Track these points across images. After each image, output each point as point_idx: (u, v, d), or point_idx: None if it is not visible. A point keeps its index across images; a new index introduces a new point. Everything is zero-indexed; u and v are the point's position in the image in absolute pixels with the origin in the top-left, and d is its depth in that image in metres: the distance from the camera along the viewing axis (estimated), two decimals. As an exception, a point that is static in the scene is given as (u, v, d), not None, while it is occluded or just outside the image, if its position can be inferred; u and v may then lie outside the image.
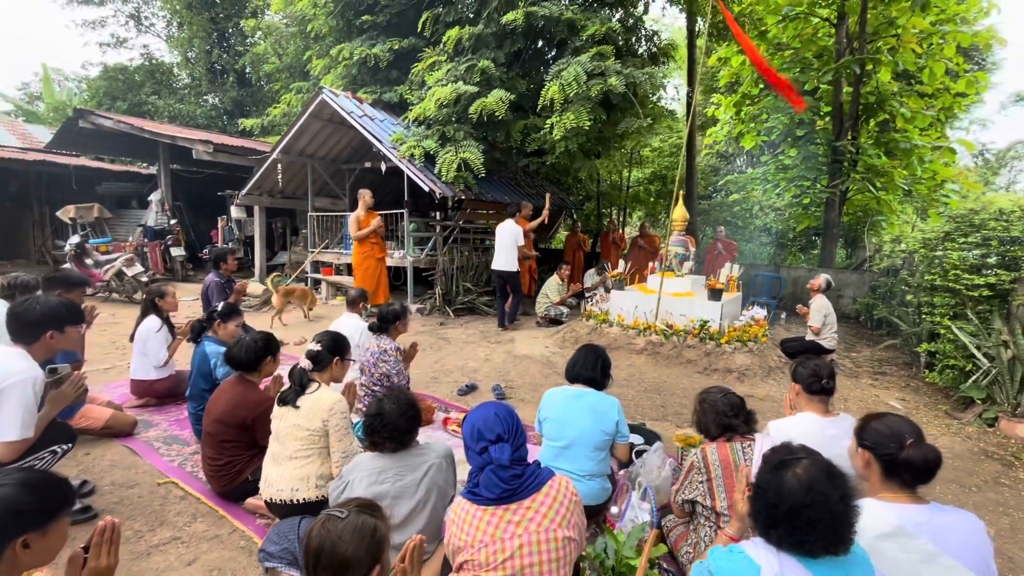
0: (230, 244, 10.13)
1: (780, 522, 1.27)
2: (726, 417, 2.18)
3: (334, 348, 2.49)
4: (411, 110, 7.35)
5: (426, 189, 6.92)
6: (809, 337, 6.00)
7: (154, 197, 11.38)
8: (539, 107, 6.67)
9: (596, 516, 2.51)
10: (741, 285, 8.99)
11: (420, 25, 7.64)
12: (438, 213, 8.34)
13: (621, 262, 6.54)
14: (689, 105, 13.45)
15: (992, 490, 3.22)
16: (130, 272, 7.89)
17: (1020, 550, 2.61)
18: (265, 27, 13.97)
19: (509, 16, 6.53)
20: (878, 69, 11.09)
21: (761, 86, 13.19)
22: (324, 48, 9.33)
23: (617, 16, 7.51)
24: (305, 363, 2.44)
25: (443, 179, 7.03)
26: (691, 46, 13.24)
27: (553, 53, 7.55)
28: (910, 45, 10.66)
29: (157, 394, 3.93)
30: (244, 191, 8.91)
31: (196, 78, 16.39)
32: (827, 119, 11.85)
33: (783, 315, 8.99)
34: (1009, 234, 4.11)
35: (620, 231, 9.90)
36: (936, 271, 4.46)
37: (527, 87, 7.28)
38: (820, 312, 5.97)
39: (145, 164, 13.28)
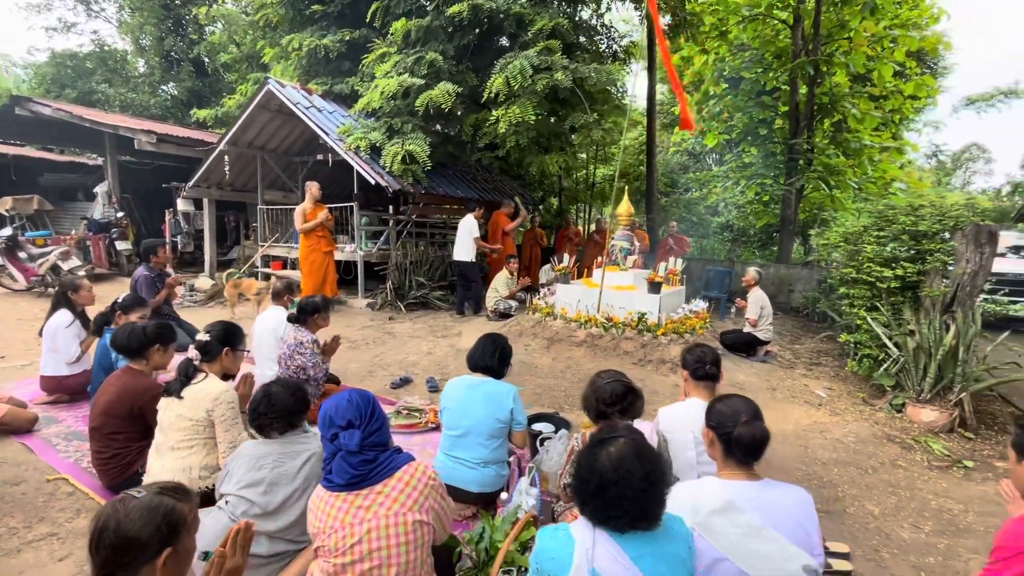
0: (178, 238, 9.84)
1: (591, 498, 1.31)
2: (603, 405, 2.22)
3: (224, 338, 2.45)
4: (359, 102, 7.25)
5: (372, 182, 6.85)
6: (747, 329, 6.19)
7: (100, 189, 10.96)
8: (484, 99, 6.65)
9: (492, 503, 2.54)
10: (686, 279, 9.20)
11: (370, 16, 7.53)
12: (391, 207, 8.25)
13: (566, 256, 6.57)
14: (650, 105, 13.66)
15: (887, 471, 3.37)
16: (66, 266, 7.60)
17: (898, 527, 2.75)
18: (221, 15, 13.58)
19: (455, 8, 6.50)
20: (832, 71, 11.46)
21: (725, 85, 13.51)
22: (276, 38, 9.12)
23: (565, 12, 7.51)
24: (193, 353, 2.40)
25: (390, 172, 6.97)
26: (650, 46, 13.42)
27: (504, 47, 7.53)
28: (862, 48, 11.05)
29: (68, 390, 3.80)
30: (191, 183, 8.66)
31: (151, 67, 15.81)
32: (785, 119, 12.17)
33: (733, 309, 9.23)
34: (917, 228, 4.29)
35: (576, 227, 9.97)
36: (853, 264, 4.63)
37: (478, 80, 7.26)
38: (756, 304, 6.16)
39: (93, 155, 12.77)
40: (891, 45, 11.55)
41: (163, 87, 17.50)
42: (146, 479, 2.30)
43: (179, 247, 9.99)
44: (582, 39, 8.41)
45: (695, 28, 9.87)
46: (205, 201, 9.25)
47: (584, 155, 15.79)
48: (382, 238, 8.21)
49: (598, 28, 11.83)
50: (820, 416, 4.41)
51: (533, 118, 6.40)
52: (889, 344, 4.31)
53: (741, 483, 1.61)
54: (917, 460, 3.56)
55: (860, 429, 4.02)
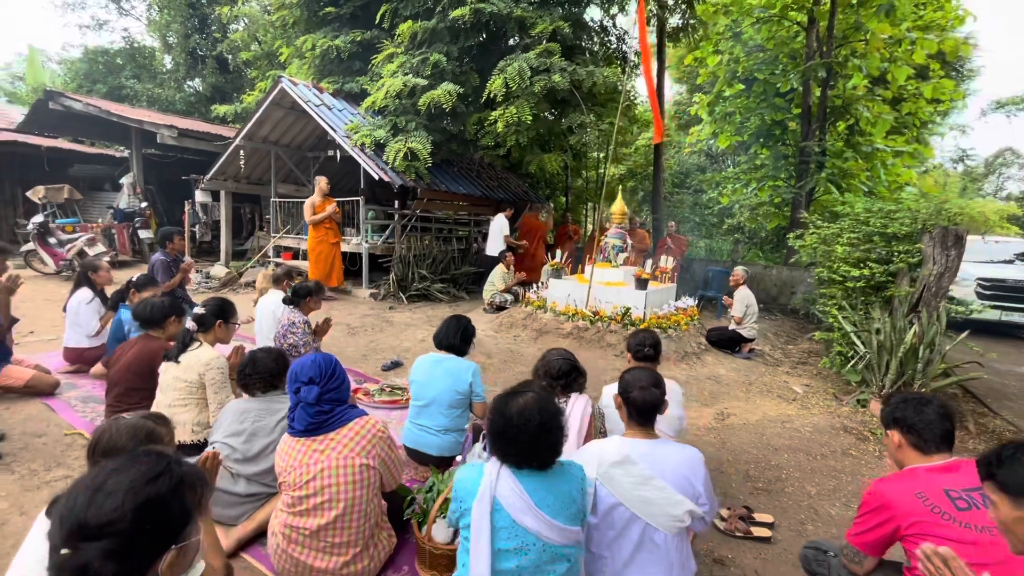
0: (196, 228, 10.33)
1: (497, 437, 1.59)
2: (550, 377, 2.49)
3: (218, 312, 2.77)
4: (366, 100, 7.59)
5: (375, 177, 7.18)
6: (732, 327, 6.37)
7: (126, 180, 11.53)
8: (483, 100, 6.93)
9: (450, 464, 2.83)
10: (687, 277, 9.36)
11: (379, 17, 7.86)
12: (396, 202, 8.59)
13: (558, 252, 6.82)
14: (660, 107, 13.77)
15: (835, 459, 3.56)
16: (92, 252, 8.10)
17: (829, 506, 2.95)
18: (243, 14, 14.09)
19: (457, 12, 6.78)
20: (846, 72, 11.42)
21: (741, 86, 13.55)
22: (292, 37, 9.53)
23: (570, 14, 7.73)
24: (191, 325, 2.73)
25: (393, 168, 7.30)
26: (660, 48, 13.54)
27: (508, 48, 7.80)
28: (877, 50, 10.99)
29: (89, 361, 4.19)
30: (208, 176, 9.12)
31: (176, 63, 16.46)
32: (799, 121, 12.17)
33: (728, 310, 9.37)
34: (886, 231, 4.44)
35: (576, 224, 10.18)
36: (827, 265, 4.80)
37: (480, 81, 7.53)
38: (742, 303, 6.33)
39: (120, 148, 13.40)
40: (909, 48, 11.47)
41: (188, 83, 18.19)
42: (147, 432, 2.63)
43: (197, 236, 10.48)
44: (585, 41, 8.62)
45: (696, 33, 9.97)
46: (222, 193, 9.71)
47: (598, 154, 16.03)
48: (387, 231, 8.55)
49: (608, 29, 12.03)
50: (789, 409, 4.60)
51: (529, 118, 6.65)
52: (857, 341, 4.47)
53: (639, 441, 1.87)
54: (869, 450, 3.74)
55: (821, 421, 4.21)
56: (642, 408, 1.85)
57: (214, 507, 2.26)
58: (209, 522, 1.60)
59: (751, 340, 6.27)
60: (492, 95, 6.77)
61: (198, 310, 2.73)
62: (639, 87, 15.21)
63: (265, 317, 4.26)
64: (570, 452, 2.03)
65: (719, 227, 16.56)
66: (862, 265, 4.41)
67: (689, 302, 6.91)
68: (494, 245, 8.35)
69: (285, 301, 3.93)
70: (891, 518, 1.66)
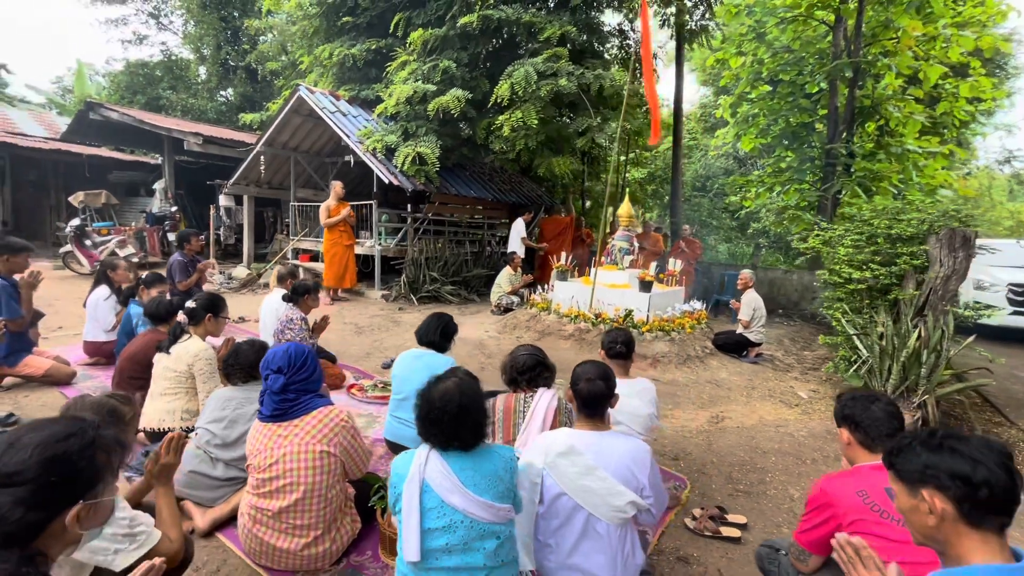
0: (220, 231, 10.76)
1: (421, 420, 1.66)
2: (515, 372, 2.54)
3: (208, 306, 2.93)
4: (378, 107, 7.80)
5: (385, 181, 7.37)
6: (739, 330, 6.27)
7: (158, 186, 12.13)
8: (490, 105, 7.03)
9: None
10: (689, 280, 9.22)
11: (392, 26, 8.07)
12: (409, 206, 8.77)
13: (563, 255, 6.85)
14: (677, 109, 13.66)
15: (826, 464, 3.48)
16: (122, 253, 8.55)
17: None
18: (269, 25, 14.65)
19: (465, 19, 6.92)
20: (875, 72, 11.06)
21: (768, 88, 13.30)
22: (313, 46, 9.87)
23: (583, 19, 7.77)
24: (182, 318, 2.89)
25: (403, 172, 7.47)
26: (679, 50, 13.44)
27: (519, 54, 7.90)
28: (909, 48, 10.61)
29: (106, 354, 4.44)
30: (231, 181, 9.51)
31: (209, 74, 17.21)
32: (825, 122, 11.86)
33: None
34: (890, 232, 4.32)
35: (588, 228, 10.18)
36: (833, 267, 4.70)
37: (490, 87, 7.65)
38: (749, 306, 6.23)
39: (155, 155, 14.08)
40: (944, 45, 11.05)
41: (221, 93, 18.99)
42: (141, 421, 2.80)
43: (222, 239, 10.91)
44: (599, 45, 8.65)
45: (712, 34, 9.85)
46: (244, 197, 10.09)
47: (617, 157, 15.97)
48: (400, 234, 8.73)
49: (626, 33, 12.01)
50: (788, 414, 4.50)
51: (535, 122, 6.72)
52: (860, 346, 4.36)
53: (586, 432, 1.90)
54: (864, 456, 3.63)
55: (818, 426, 4.11)
56: (587, 400, 1.89)
57: (194, 490, 2.39)
58: (169, 498, 1.71)
59: (758, 344, 6.16)
60: (499, 100, 6.87)
61: (189, 304, 2.89)
62: (665, 89, 15.06)
63: (268, 314, 4.43)
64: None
65: (743, 231, 16.25)
66: (864, 267, 4.30)
67: (697, 306, 6.83)
68: (514, 248, 8.73)
69: (284, 298, 4.09)
70: (833, 516, 1.65)
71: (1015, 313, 7.62)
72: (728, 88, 14.55)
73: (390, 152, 7.59)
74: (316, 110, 8.00)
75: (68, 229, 8.82)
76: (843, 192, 10.93)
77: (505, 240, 11.60)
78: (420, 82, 7.23)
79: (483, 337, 6.35)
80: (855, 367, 4.46)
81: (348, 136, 7.67)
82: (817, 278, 5.00)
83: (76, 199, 11.08)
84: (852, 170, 10.63)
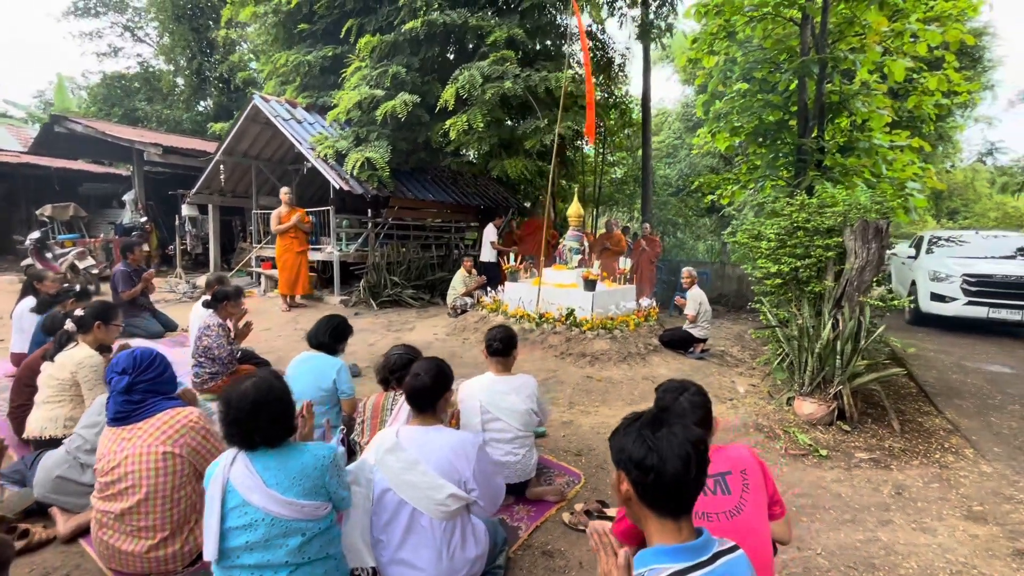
0: (187, 240, 10.77)
1: (223, 423, 1.67)
2: (387, 371, 2.56)
3: (97, 314, 2.94)
4: (329, 114, 7.84)
5: (336, 186, 7.40)
6: (685, 326, 6.29)
7: (127, 197, 12.13)
8: (438, 109, 7.08)
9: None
10: (645, 277, 9.27)
11: (344, 32, 8.12)
12: (370, 210, 8.80)
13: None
14: (645, 108, 13.75)
15: (733, 456, 3.50)
16: (82, 265, 8.55)
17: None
18: (240, 36, 14.70)
19: (410, 24, 6.97)
20: (842, 68, 11.14)
21: (745, 85, 13.39)
22: (272, 55, 9.92)
23: (534, 22, 7.82)
24: (70, 326, 2.90)
25: (355, 178, 7.50)
26: (645, 50, 13.55)
27: (469, 57, 7.94)
28: (875, 44, 10.69)
29: (33, 365, 4.44)
30: (193, 191, 9.52)
31: (183, 85, 17.25)
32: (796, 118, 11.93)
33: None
34: (807, 225, 4.36)
35: (555, 230, 10.22)
36: (750, 262, 4.73)
37: (442, 91, 7.69)
38: (695, 302, 6.26)
39: (128, 166, 14.09)
40: (912, 40, 11.15)
41: (202, 103, 19.01)
42: (26, 428, 2.81)
43: (189, 249, 10.92)
44: (551, 47, 8.70)
45: (668, 33, 9.93)
46: (210, 206, 10.11)
47: (596, 159, 16.06)
48: (360, 240, 8.75)
49: (597, 35, 12.10)
50: (716, 408, 4.51)
51: (481, 125, 6.76)
52: (782, 339, 4.39)
53: (413, 427, 1.92)
54: (774, 448, 3.66)
55: (738, 420, 4.14)
56: (410, 395, 1.91)
57: (62, 495, 2.40)
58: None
59: (703, 340, 6.18)
60: (445, 104, 6.91)
61: (77, 312, 2.90)
62: (634, 90, 15.14)
63: (194, 321, 4.43)
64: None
65: (722, 228, 16.30)
66: (781, 261, 4.34)
67: (646, 303, 6.87)
68: (485, 251, 8.94)
69: (204, 304, 4.10)
70: (633, 509, 1.67)
71: (969, 304, 7.67)
72: (705, 87, 14.66)
73: (341, 158, 7.62)
74: (271, 118, 8.03)
75: (28, 242, 8.81)
76: (814, 187, 10.97)
77: (476, 244, 11.65)
78: (366, 87, 7.26)
79: (431, 340, 6.36)
80: (779, 360, 4.50)
81: (300, 143, 7.71)
82: (748, 273, 5.03)
83: (44, 212, 11.09)
84: (823, 165, 10.70)
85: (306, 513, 1.65)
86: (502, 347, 2.72)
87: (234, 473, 1.63)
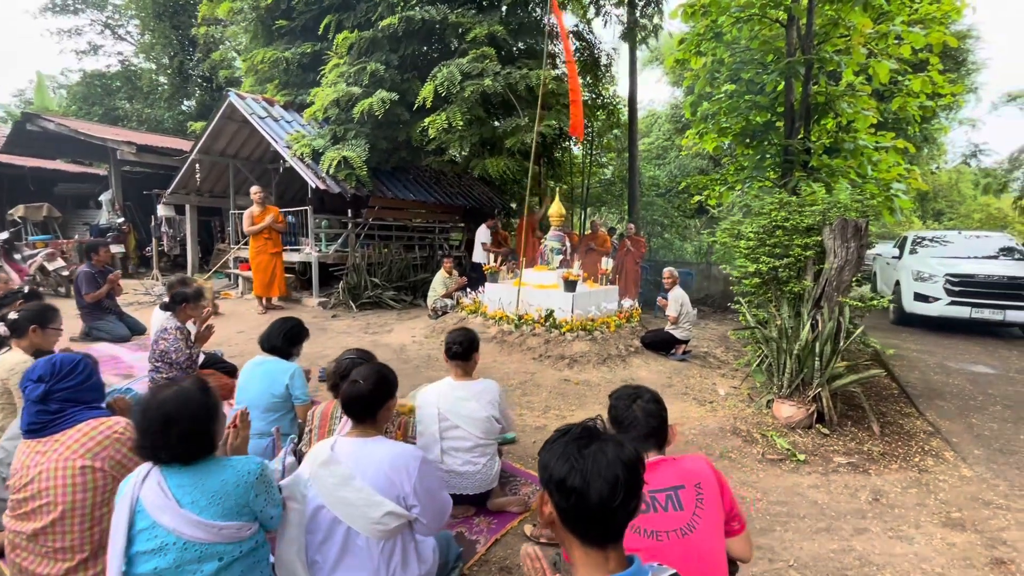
0: (164, 242, 10.53)
1: (137, 433, 1.52)
2: (337, 377, 2.42)
3: (32, 318, 2.76)
4: (306, 112, 7.67)
5: (313, 185, 7.23)
6: (668, 328, 6.20)
7: (104, 197, 11.87)
8: (417, 106, 6.94)
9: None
10: (629, 278, 9.19)
11: (322, 29, 7.96)
12: (350, 211, 8.63)
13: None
14: (631, 109, 13.70)
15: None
16: (51, 266, 8.30)
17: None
18: (222, 33, 14.46)
19: (387, 21, 6.83)
20: (828, 69, 11.14)
21: (733, 87, 13.38)
22: (248, 52, 9.73)
23: (497, 19, 7.69)
24: (3, 330, 2.73)
25: (333, 177, 7.34)
26: (632, 51, 13.50)
27: (449, 55, 7.81)
28: (860, 45, 10.70)
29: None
30: (169, 190, 9.30)
31: (164, 83, 16.97)
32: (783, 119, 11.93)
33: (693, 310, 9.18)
34: (786, 224, 4.27)
35: (541, 231, 10.12)
36: (728, 261, 4.64)
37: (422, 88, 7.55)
38: (677, 302, 6.17)
39: (106, 166, 13.80)
40: (896, 42, 11.19)
41: (186, 103, 18.69)
42: (-43, 438, 2.62)
43: (166, 250, 10.68)
44: (534, 44, 8.59)
45: (655, 33, 9.87)
46: (187, 207, 9.88)
47: (584, 159, 16.01)
48: (340, 240, 8.58)
49: (583, 35, 12.02)
50: (695, 412, 4.43)
51: (461, 123, 6.63)
52: (761, 340, 4.30)
53: (350, 439, 1.78)
54: (751, 453, 3.56)
55: (715, 423, 4.03)
56: (345, 403, 1.78)
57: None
58: None
59: (685, 342, 6.09)
60: (423, 101, 6.77)
61: (11, 315, 2.73)
62: (621, 89, 15.10)
63: (154, 326, 4.26)
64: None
65: (711, 227, 16.29)
66: (760, 260, 4.24)
67: (628, 304, 6.77)
68: (477, 253, 8.86)
69: (161, 307, 3.93)
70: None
71: (952, 304, 7.65)
72: (693, 88, 14.68)
73: (319, 156, 7.46)
74: (247, 116, 7.84)
75: (-5, 243, 8.55)
76: (799, 188, 10.95)
77: (462, 244, 11.51)
78: (343, 84, 7.11)
79: (407, 343, 6.22)
80: (759, 362, 4.41)
81: (276, 141, 7.53)
82: (729, 273, 4.94)
83: (16, 212, 10.81)
84: (810, 166, 10.69)
85: (225, 535, 1.50)
86: (461, 351, 2.59)
87: (145, 491, 1.49)
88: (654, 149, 21.25)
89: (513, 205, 12.09)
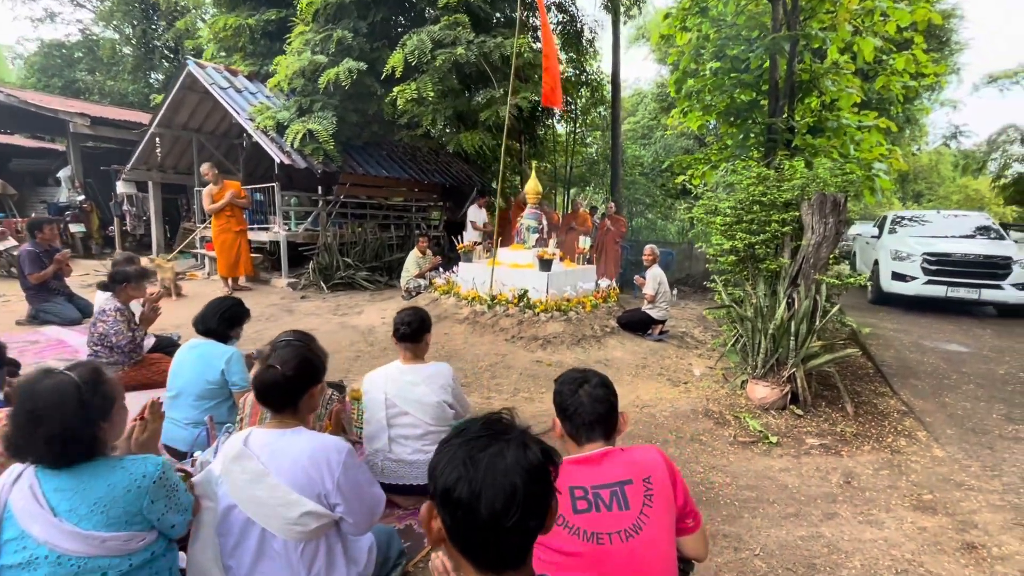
0: (127, 221, 10.08)
1: (10, 428, 1.31)
2: (265, 361, 2.21)
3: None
4: (269, 82, 7.27)
5: (277, 160, 6.88)
6: (644, 307, 6.06)
7: (63, 174, 11.29)
8: (384, 77, 6.59)
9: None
10: (608, 257, 9.05)
11: (288, -7, 7.51)
12: (320, 188, 8.29)
13: (465, 234, 6.53)
14: (615, 84, 13.37)
15: (678, 446, 3.28)
16: (2, 246, 7.86)
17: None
18: (191, 3, 13.74)
19: (353, -17, 6.43)
20: (813, 46, 10.93)
21: (718, 64, 13.10)
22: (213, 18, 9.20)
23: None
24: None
25: (299, 151, 6.99)
26: (615, 24, 13.11)
27: (421, 22, 7.43)
28: (846, 22, 10.49)
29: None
30: (129, 166, 8.83)
31: (128, 54, 16.13)
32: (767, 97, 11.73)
33: (673, 290, 9.09)
34: (763, 199, 4.12)
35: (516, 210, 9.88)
36: (704, 239, 4.49)
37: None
38: (655, 281, 6.03)
39: (65, 140, 13.13)
40: (882, 19, 11.01)
41: (152, 75, 17.81)
42: None
43: (129, 229, 10.23)
44: (511, 13, 8.22)
45: (632, 5, 9.53)
46: (150, 184, 9.43)
47: (569, 137, 15.68)
48: (310, 219, 8.26)
49: (565, 6, 11.61)
50: (668, 393, 4.31)
51: (431, 94, 6.31)
52: (736, 319, 4.17)
53: (265, 431, 1.59)
54: (723, 435, 3.45)
55: (688, 405, 3.92)
56: (258, 390, 1.58)
57: None
58: None
59: (662, 322, 5.97)
60: (393, 71, 6.43)
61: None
62: (605, 65, 14.70)
63: (97, 307, 3.99)
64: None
65: (674, 209, 16.18)
66: (736, 237, 4.09)
67: (605, 284, 6.62)
68: (469, 233, 8.45)
69: (100, 287, 3.67)
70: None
71: (929, 282, 7.64)
72: (678, 65, 14.41)
73: (283, 130, 7.09)
74: (207, 87, 7.41)
75: (-60, 222, 8.06)
76: (782, 166, 10.82)
77: (441, 224, 11.22)
78: (312, 53, 6.72)
79: (377, 324, 6.00)
80: (733, 342, 4.30)
81: (238, 113, 7.14)
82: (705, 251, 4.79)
83: (-34, 190, 10.23)
84: (792, 144, 10.55)
85: (110, 548, 1.30)
86: (410, 331, 2.40)
87: (15, 495, 1.28)
88: (640, 129, 20.96)
89: (495, 185, 11.79)
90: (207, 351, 2.56)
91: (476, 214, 8.57)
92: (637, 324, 5.96)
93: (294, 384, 1.60)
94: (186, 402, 2.51)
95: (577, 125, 15.99)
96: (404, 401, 2.34)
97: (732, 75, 12.16)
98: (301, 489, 1.50)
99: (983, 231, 9.18)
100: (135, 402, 3.08)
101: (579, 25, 12.86)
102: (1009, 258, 7.28)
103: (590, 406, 1.43)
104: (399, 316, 2.46)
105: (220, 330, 2.63)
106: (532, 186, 6.68)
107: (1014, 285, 7.20)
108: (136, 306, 4.12)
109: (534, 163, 6.91)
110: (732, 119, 13.21)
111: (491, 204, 10.00)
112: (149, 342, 4.08)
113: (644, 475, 1.34)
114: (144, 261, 8.60)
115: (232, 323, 2.67)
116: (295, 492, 1.49)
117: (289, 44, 7.57)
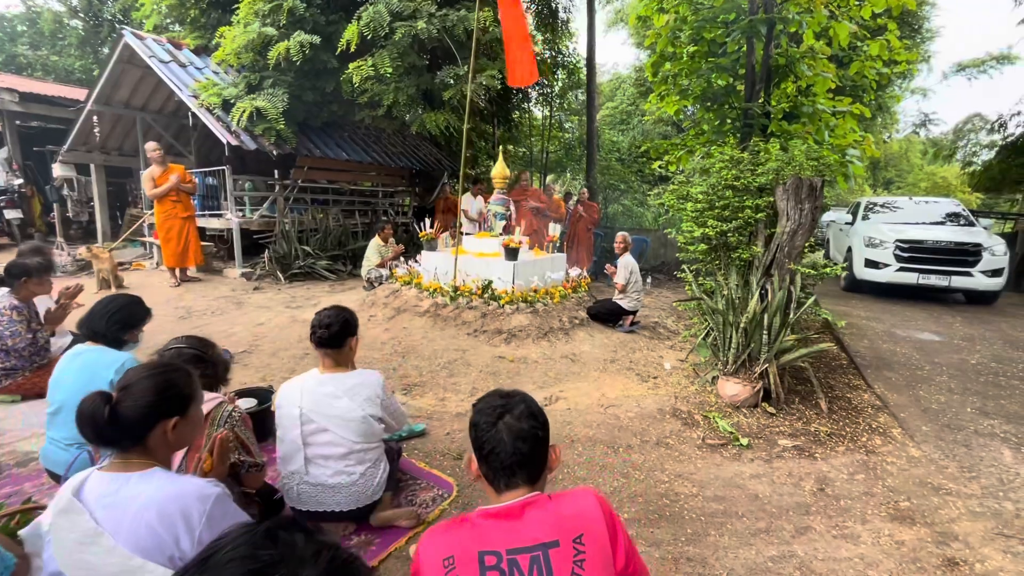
0: (68, 207, 9.38)
1: None
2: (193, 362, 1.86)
3: None
4: (214, 56, 6.71)
5: (223, 140, 6.37)
6: (615, 298, 5.81)
7: (-1, 156, 10.46)
8: (338, 51, 6.11)
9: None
10: (580, 244, 8.80)
11: (235, -41, 6.91)
12: (277, 172, 7.78)
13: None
14: (589, 65, 13.00)
15: (643, 451, 3.04)
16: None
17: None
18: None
19: (305, -53, 5.91)
20: (790, 30, 10.72)
21: (695, 47, 12.79)
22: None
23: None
24: None
25: (246, 131, 6.48)
26: (590, 4, 12.70)
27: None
28: (823, 5, 10.29)
29: None
30: (66, 147, 8.16)
31: (73, 28, 15.04)
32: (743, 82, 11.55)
33: (647, 279, 8.89)
34: (735, 184, 3.86)
35: (454, 196, 9.52)
36: (675, 227, 4.24)
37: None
38: (626, 269, 5.78)
39: None
40: (857, 4, 10.86)
41: (103, 49, 16.68)
42: None
43: (71, 216, 9.55)
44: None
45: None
46: (92, 166, 8.76)
47: (545, 120, 15.28)
48: (266, 205, 7.77)
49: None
50: (635, 390, 4.07)
51: (389, 70, 5.88)
52: (707, 312, 3.94)
53: (105, 474, 1.25)
54: (691, 438, 3.22)
55: (654, 404, 3.69)
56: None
57: None
58: None
59: (633, 312, 5.73)
60: (348, 45, 5.96)
61: None
62: (580, 47, 14.29)
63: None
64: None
65: (654, 194, 16.01)
66: (707, 224, 3.84)
67: (575, 273, 6.35)
68: (466, 226, 8.10)
69: (-7, 283, 3.22)
70: (415, 592, 1.09)
71: (901, 270, 7.57)
72: (655, 47, 14.13)
73: (231, 108, 6.56)
74: (145, 60, 6.80)
75: None
76: (757, 149, 10.67)
77: (410, 211, 10.78)
78: (261, 25, 6.19)
79: (332, 317, 5.61)
80: (704, 335, 4.07)
81: (180, 89, 6.57)
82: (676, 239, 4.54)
83: None
84: (768, 130, 10.40)
85: None
86: (328, 336, 2.06)
87: None
88: (618, 114, 20.68)
89: (471, 170, 11.37)
90: (93, 359, 2.18)
91: (469, 203, 8.07)
92: (607, 315, 5.72)
93: (145, 414, 1.26)
94: (68, 419, 2.13)
95: (554, 109, 15.60)
96: (322, 416, 2.02)
97: (709, 59, 11.92)
98: (145, 552, 1.17)
99: (953, 218, 9.19)
100: (36, 410, 2.69)
101: (553, 4, 12.44)
102: (979, 245, 7.25)
103: (511, 444, 1.13)
104: (317, 317, 2.12)
105: (111, 334, 2.25)
106: (499, 170, 6.32)
107: (983, 272, 7.18)
108: (46, 302, 3.69)
109: (502, 148, 6.52)
110: (709, 104, 13.00)
111: (440, 190, 9.53)
112: (63, 342, 3.65)
113: (575, 533, 1.05)
114: (81, 251, 8.02)
115: (125, 325, 2.29)
116: (138, 556, 1.16)
117: (236, 15, 7.00)
